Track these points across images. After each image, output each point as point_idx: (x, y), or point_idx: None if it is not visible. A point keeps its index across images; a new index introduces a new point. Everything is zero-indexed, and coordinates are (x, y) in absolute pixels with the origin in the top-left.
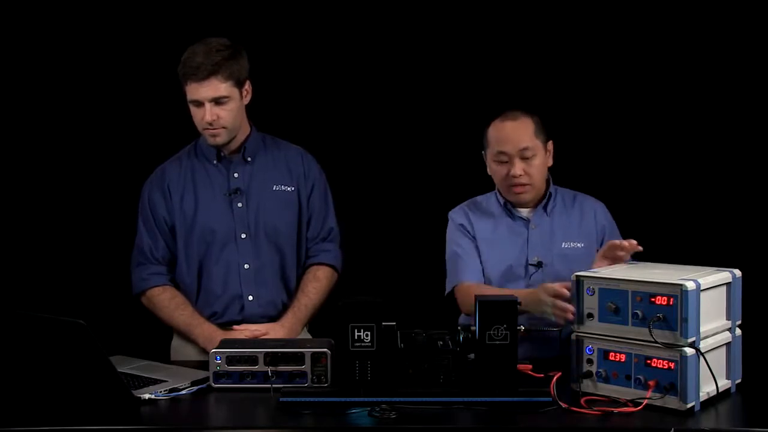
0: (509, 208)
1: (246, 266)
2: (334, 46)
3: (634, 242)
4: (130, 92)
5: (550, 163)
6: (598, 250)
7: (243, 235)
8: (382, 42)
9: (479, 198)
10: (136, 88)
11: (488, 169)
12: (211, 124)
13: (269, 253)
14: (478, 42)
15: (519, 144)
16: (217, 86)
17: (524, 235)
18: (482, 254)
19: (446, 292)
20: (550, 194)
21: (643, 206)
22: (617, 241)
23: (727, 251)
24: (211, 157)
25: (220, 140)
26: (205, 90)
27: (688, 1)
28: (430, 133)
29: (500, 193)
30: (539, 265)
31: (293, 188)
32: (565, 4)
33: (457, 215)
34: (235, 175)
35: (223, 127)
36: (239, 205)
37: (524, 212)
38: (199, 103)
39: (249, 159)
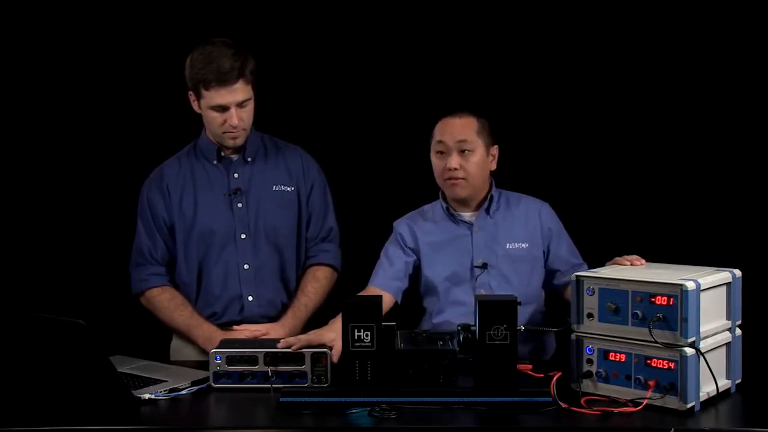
0: (452, 212)
1: (246, 266)
2: (333, 46)
3: (641, 261)
4: (130, 92)
5: (493, 167)
6: (545, 251)
7: (243, 236)
8: (382, 42)
9: (426, 207)
10: (135, 89)
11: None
12: (235, 127)
13: (269, 253)
14: (476, 43)
15: (457, 136)
16: (243, 89)
17: (468, 239)
18: (428, 260)
19: (372, 284)
20: (492, 197)
21: (644, 206)
22: (625, 259)
23: (727, 251)
24: (211, 157)
25: (240, 142)
26: (233, 94)
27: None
28: (429, 132)
29: (443, 198)
30: (484, 266)
31: (293, 188)
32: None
33: (399, 226)
34: (235, 175)
35: (244, 129)
36: (239, 205)
37: (467, 216)
38: (224, 108)
39: (249, 159)
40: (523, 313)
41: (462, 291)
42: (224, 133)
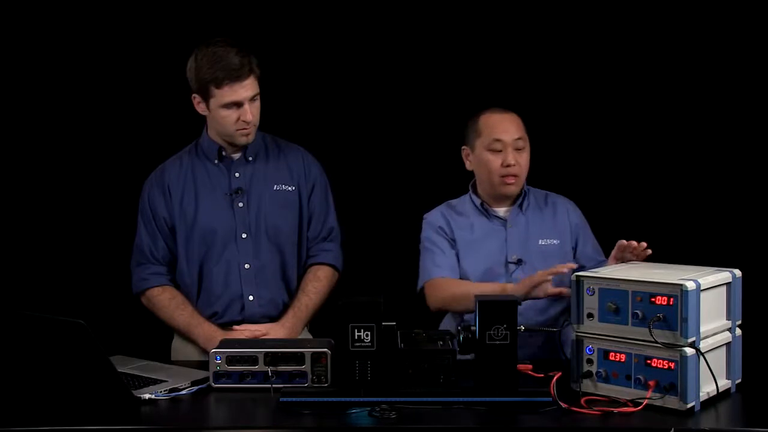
0: (485, 208)
1: (246, 266)
2: (334, 45)
3: (644, 244)
4: (131, 92)
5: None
6: (573, 248)
7: (244, 235)
8: (383, 41)
9: (453, 201)
10: (136, 88)
11: (469, 164)
12: (248, 123)
13: (270, 253)
14: (478, 43)
15: (514, 134)
16: (253, 84)
17: (502, 235)
18: (462, 256)
19: (417, 288)
20: (525, 193)
21: (644, 206)
22: (626, 242)
23: (727, 251)
24: (213, 157)
25: (252, 138)
26: (245, 90)
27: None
28: (430, 133)
29: (474, 193)
30: (519, 262)
31: (294, 188)
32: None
33: (433, 217)
34: (237, 174)
35: (254, 125)
36: (240, 204)
37: (500, 211)
38: (238, 104)
39: (250, 159)
40: (555, 309)
41: None
42: (237, 130)
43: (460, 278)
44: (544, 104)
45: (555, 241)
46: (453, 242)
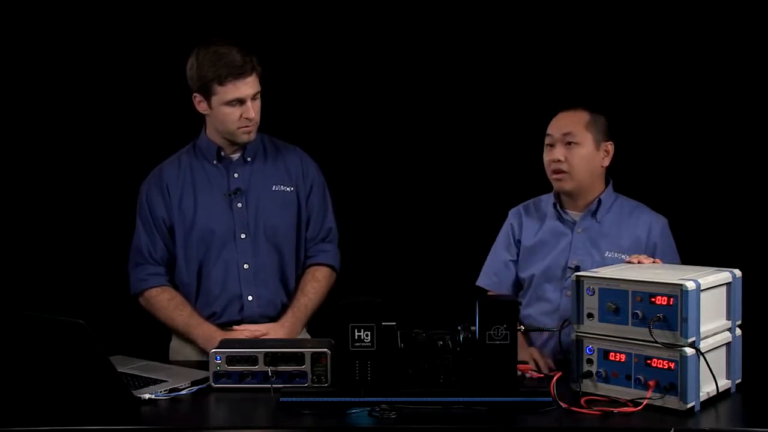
0: (558, 209)
1: (245, 266)
2: (334, 45)
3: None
4: (129, 92)
5: (606, 163)
6: None
7: (242, 235)
8: (382, 42)
9: (543, 196)
10: (135, 89)
11: None
12: (250, 120)
13: (268, 253)
14: (480, 43)
15: (563, 128)
16: (255, 82)
17: (568, 238)
18: (525, 254)
19: (476, 283)
20: (600, 201)
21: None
22: (634, 257)
23: (727, 251)
24: (211, 157)
25: (253, 136)
26: (247, 87)
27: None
28: (428, 133)
29: (554, 193)
30: (576, 269)
31: (292, 188)
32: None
33: (512, 215)
34: (235, 175)
35: (256, 123)
36: (239, 205)
37: (572, 214)
38: (241, 101)
39: (249, 159)
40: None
41: (551, 288)
42: (239, 128)
43: (522, 275)
44: (542, 104)
45: (623, 256)
46: (518, 243)
